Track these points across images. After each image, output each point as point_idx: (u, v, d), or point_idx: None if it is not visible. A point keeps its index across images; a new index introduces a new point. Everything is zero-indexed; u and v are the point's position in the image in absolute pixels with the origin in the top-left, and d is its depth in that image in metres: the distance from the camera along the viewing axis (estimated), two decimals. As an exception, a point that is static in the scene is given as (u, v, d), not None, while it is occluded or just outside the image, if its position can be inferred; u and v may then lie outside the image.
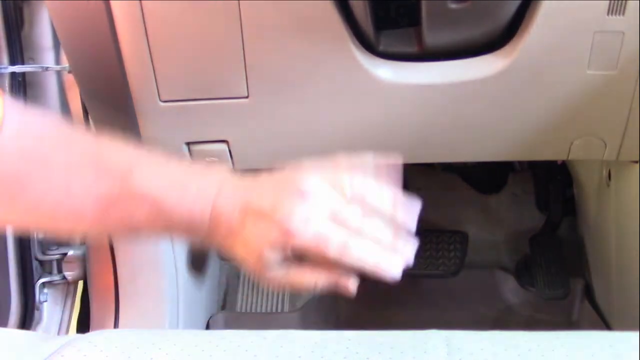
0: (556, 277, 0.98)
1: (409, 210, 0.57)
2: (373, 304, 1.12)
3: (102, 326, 0.86)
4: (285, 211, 0.52)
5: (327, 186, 0.54)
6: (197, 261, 0.95)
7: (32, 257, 0.94)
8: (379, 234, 0.55)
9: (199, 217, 0.55)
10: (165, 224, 0.56)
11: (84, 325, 0.95)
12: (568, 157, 0.72)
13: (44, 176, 0.54)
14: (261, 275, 0.55)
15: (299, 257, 0.53)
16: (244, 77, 0.68)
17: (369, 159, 0.57)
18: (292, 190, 0.53)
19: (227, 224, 0.54)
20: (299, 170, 0.55)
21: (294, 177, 0.54)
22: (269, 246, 0.52)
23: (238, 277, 1.09)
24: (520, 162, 1.08)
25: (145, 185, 0.55)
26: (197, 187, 0.55)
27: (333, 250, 0.52)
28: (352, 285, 0.57)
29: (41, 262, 0.96)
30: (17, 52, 0.95)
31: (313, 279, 0.54)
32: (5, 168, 0.53)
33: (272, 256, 0.53)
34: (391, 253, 0.56)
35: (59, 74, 1.00)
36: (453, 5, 0.58)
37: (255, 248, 0.53)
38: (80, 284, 0.98)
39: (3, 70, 0.92)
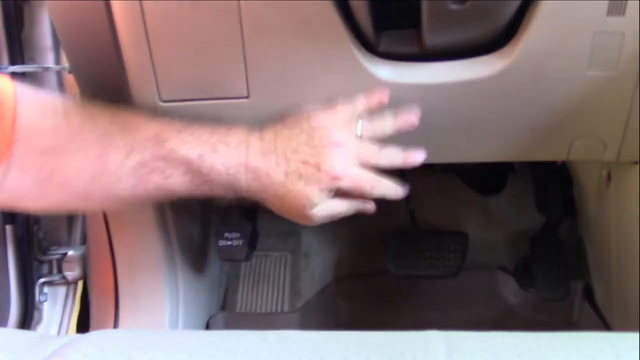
0: (556, 278, 0.98)
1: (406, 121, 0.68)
2: (373, 304, 1.12)
3: (101, 326, 0.86)
4: (329, 161, 0.63)
5: (348, 132, 0.66)
6: (197, 261, 0.95)
7: (32, 257, 0.94)
8: (391, 160, 0.68)
9: (234, 172, 0.62)
10: (203, 183, 0.62)
11: (83, 325, 0.96)
12: (568, 157, 0.72)
13: (78, 151, 0.57)
14: (305, 217, 0.67)
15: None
16: (244, 77, 0.68)
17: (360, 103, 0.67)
18: (326, 143, 0.64)
19: (266, 177, 0.63)
20: (318, 119, 0.66)
21: (322, 129, 0.65)
22: (319, 190, 0.64)
23: (238, 278, 1.09)
24: (520, 163, 1.08)
25: (178, 149, 0.60)
26: (227, 145, 0.62)
27: (367, 187, 0.66)
28: (372, 207, 0.70)
29: (41, 262, 0.96)
30: (17, 52, 0.96)
31: (346, 207, 0.68)
32: (37, 144, 0.55)
33: (321, 197, 0.65)
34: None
35: (59, 74, 1.00)
36: (453, 6, 0.58)
37: (302, 194, 0.64)
38: (80, 284, 0.98)
39: (3, 70, 0.93)
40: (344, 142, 0.65)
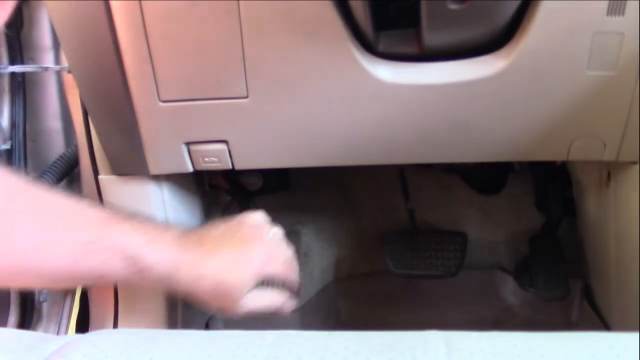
0: (555, 277, 0.98)
1: None
2: (372, 304, 1.12)
3: (101, 326, 0.86)
4: (257, 249, 0.71)
5: (269, 229, 0.75)
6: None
7: (31, 257, 0.94)
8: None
9: (167, 266, 0.66)
10: (137, 272, 0.64)
11: (83, 325, 0.96)
12: (567, 157, 0.72)
13: (11, 235, 0.57)
14: (232, 306, 0.70)
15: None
16: (244, 77, 0.68)
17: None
18: (252, 234, 0.72)
19: (198, 270, 0.67)
20: (243, 217, 0.74)
21: (247, 224, 0.74)
22: (249, 278, 0.69)
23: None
24: (520, 163, 1.08)
25: (118, 236, 0.63)
26: (163, 240, 0.66)
27: (292, 272, 0.76)
28: (292, 305, 0.78)
29: (40, 262, 0.96)
30: (17, 52, 0.96)
31: (270, 300, 0.73)
32: None
33: (250, 285, 0.70)
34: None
35: (58, 74, 1.00)
36: (453, 6, 0.58)
37: (232, 283, 0.69)
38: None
39: (3, 70, 0.93)
40: (267, 233, 0.74)
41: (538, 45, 0.63)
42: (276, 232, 0.76)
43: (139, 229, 0.65)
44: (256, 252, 0.71)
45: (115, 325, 0.85)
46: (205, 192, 1.01)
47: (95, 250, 0.61)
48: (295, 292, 0.78)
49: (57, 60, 0.99)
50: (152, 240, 0.65)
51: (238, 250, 0.70)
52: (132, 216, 0.66)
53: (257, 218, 0.76)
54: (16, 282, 0.67)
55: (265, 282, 0.73)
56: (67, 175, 1.00)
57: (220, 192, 1.09)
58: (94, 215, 0.63)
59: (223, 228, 0.73)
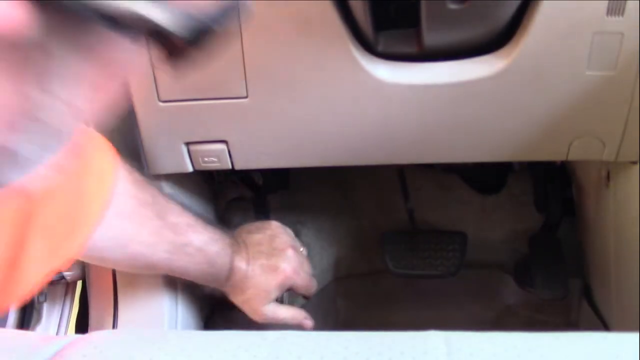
0: (555, 277, 0.98)
1: None
2: (372, 304, 1.12)
3: (100, 326, 0.86)
4: (285, 262, 0.82)
5: (297, 244, 0.88)
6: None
7: (31, 257, 0.94)
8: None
9: (222, 267, 0.79)
10: (208, 271, 0.78)
11: (82, 326, 0.95)
12: (567, 157, 0.72)
13: (140, 236, 0.71)
14: (259, 310, 0.82)
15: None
16: (243, 77, 0.68)
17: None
18: (283, 247, 0.84)
19: (241, 274, 0.80)
20: (277, 229, 0.87)
21: (280, 236, 0.86)
22: (275, 286, 0.81)
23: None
24: (520, 163, 1.08)
25: (197, 244, 0.75)
26: (222, 245, 0.78)
27: (312, 287, 0.88)
28: (310, 324, 0.88)
29: (40, 262, 0.96)
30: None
31: (290, 315, 0.85)
32: (117, 224, 0.68)
33: (275, 293, 0.82)
34: None
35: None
36: (452, 6, 0.58)
37: (261, 288, 0.81)
38: (79, 283, 0.98)
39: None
40: (296, 249, 0.86)
41: (538, 45, 0.63)
42: (303, 249, 0.89)
43: (214, 236, 0.77)
44: (284, 265, 0.82)
45: (114, 326, 0.85)
46: (205, 192, 1.01)
47: (186, 252, 0.74)
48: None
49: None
50: (220, 250, 0.78)
51: (269, 262, 0.82)
52: (207, 222, 0.78)
53: (288, 232, 0.89)
54: (130, 269, 0.79)
55: (288, 292, 0.85)
56: (66, 175, 1.00)
57: (220, 193, 1.09)
58: (186, 221, 0.75)
59: (260, 236, 0.85)
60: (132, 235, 0.71)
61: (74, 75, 0.28)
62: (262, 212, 1.04)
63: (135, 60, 0.31)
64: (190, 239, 0.75)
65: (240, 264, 0.80)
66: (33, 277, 0.59)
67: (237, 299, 0.83)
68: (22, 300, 0.59)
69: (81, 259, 0.70)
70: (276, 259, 0.82)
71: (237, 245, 0.82)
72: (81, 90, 0.29)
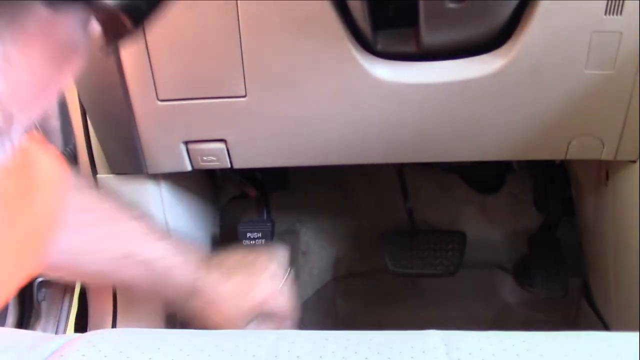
0: (554, 276, 0.98)
1: None
2: (371, 303, 1.12)
3: (100, 326, 0.86)
4: (261, 286, 0.76)
5: (280, 271, 0.79)
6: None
7: (29, 256, 0.94)
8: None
9: (180, 285, 0.71)
10: (160, 286, 0.71)
11: (81, 325, 0.95)
12: (566, 156, 0.72)
13: (81, 245, 0.66)
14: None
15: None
16: (242, 76, 0.68)
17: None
18: (263, 270, 0.77)
19: (209, 296, 0.73)
20: (256, 257, 0.79)
21: (262, 260, 0.78)
22: (247, 309, 0.74)
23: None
24: (519, 162, 1.08)
25: (148, 254, 0.69)
26: (181, 260, 0.72)
27: (288, 315, 0.79)
28: None
29: (39, 262, 0.96)
30: (15, 51, 0.95)
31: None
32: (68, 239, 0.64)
33: (248, 316, 0.75)
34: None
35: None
36: (451, 5, 0.58)
37: (233, 310, 0.74)
38: (78, 283, 0.98)
39: (1, 70, 0.92)
40: (276, 275, 0.79)
41: (536, 44, 0.63)
42: (288, 274, 0.82)
43: (170, 251, 0.72)
44: (259, 287, 0.76)
45: (114, 325, 0.85)
46: (206, 190, 1.01)
47: (129, 264, 0.69)
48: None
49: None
50: (180, 265, 0.72)
51: (246, 282, 0.75)
52: (165, 233, 0.73)
53: (275, 255, 0.82)
54: (62, 275, 0.73)
55: (265, 317, 0.77)
56: (65, 174, 1.00)
57: (219, 192, 1.09)
58: (136, 229, 0.70)
59: (236, 258, 0.78)
60: (68, 243, 0.65)
61: (14, 61, 0.27)
62: (264, 210, 1.04)
63: (78, 44, 0.30)
64: (139, 249, 0.69)
65: (210, 283, 0.73)
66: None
67: (210, 321, 0.75)
68: None
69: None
70: (252, 280, 0.76)
71: (209, 267, 0.75)
72: (23, 77, 0.28)
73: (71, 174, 0.66)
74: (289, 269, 0.83)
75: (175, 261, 0.71)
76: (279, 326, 0.78)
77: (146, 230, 0.71)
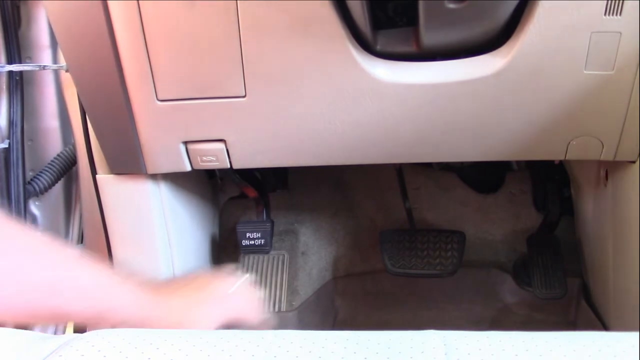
0: (553, 276, 0.98)
1: None
2: (370, 303, 1.12)
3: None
4: (217, 296, 0.73)
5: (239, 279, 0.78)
6: (195, 260, 0.95)
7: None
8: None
9: (132, 309, 0.66)
10: (99, 315, 0.65)
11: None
12: (565, 157, 0.72)
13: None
14: None
15: None
16: (242, 77, 0.68)
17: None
18: (217, 284, 0.75)
19: (157, 313, 0.68)
20: (206, 277, 0.77)
21: (210, 283, 0.76)
22: (209, 320, 0.71)
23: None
24: (518, 162, 1.08)
25: (87, 281, 0.64)
26: (130, 285, 0.67)
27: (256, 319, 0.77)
28: None
29: (38, 262, 0.95)
30: (15, 51, 0.95)
31: None
32: None
33: (211, 327, 0.70)
34: None
35: (56, 72, 1.00)
36: (451, 5, 0.58)
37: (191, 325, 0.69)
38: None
39: (0, 69, 0.92)
40: (232, 280, 0.77)
41: (536, 44, 0.63)
42: (245, 279, 0.79)
43: (105, 273, 0.66)
44: (215, 294, 0.74)
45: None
46: (204, 192, 1.01)
47: (61, 291, 0.62)
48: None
49: (55, 59, 0.99)
50: (118, 284, 0.67)
51: (198, 294, 0.73)
52: (99, 260, 0.67)
53: (221, 273, 0.79)
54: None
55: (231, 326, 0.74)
56: (64, 174, 1.00)
57: (218, 192, 1.09)
58: (64, 254, 0.64)
59: (190, 277, 0.77)
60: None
61: None
62: (263, 210, 1.04)
63: None
64: (65, 276, 0.64)
65: (154, 301, 0.69)
66: None
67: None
68: None
69: None
70: (202, 293, 0.74)
71: (152, 284, 0.71)
72: None
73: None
74: (245, 276, 0.81)
75: (110, 284, 0.67)
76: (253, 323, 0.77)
77: (78, 258, 0.65)
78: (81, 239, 1.01)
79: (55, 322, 0.69)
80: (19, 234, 0.61)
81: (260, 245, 1.00)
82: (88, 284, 0.64)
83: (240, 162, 0.76)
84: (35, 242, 0.62)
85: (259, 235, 0.98)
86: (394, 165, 1.04)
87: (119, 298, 0.66)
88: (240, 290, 0.78)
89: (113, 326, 0.64)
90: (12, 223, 0.61)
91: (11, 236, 0.60)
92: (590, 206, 0.88)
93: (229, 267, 0.83)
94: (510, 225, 1.12)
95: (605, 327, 0.88)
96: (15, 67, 0.93)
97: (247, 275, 0.82)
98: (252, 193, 1.04)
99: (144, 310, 0.68)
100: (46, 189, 0.99)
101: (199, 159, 0.76)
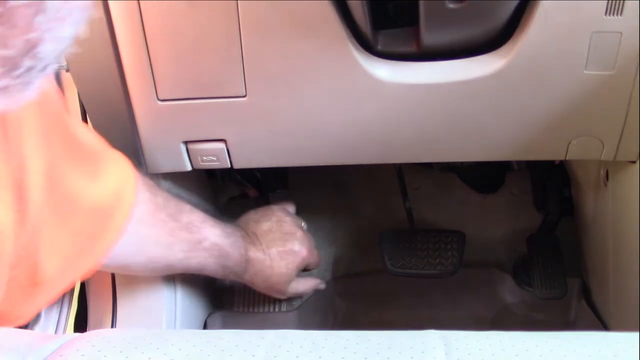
0: (553, 276, 0.98)
1: None
2: (370, 303, 1.12)
3: (99, 325, 0.86)
4: (298, 245, 0.89)
5: (300, 223, 0.94)
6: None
7: (29, 256, 0.94)
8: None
9: (238, 259, 0.82)
10: (224, 264, 0.81)
11: (81, 325, 0.95)
12: (566, 157, 0.72)
13: (156, 239, 0.74)
14: (284, 292, 0.91)
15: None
16: (242, 76, 0.68)
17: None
18: (291, 231, 0.90)
19: (260, 264, 0.85)
20: (280, 213, 0.92)
21: (285, 221, 0.91)
22: (294, 268, 0.88)
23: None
24: (518, 162, 1.08)
25: (212, 239, 0.78)
26: (236, 238, 0.82)
27: (318, 260, 0.96)
28: (323, 286, 1.01)
29: (38, 261, 0.96)
30: (15, 50, 0.95)
31: (308, 287, 0.96)
32: (134, 230, 0.68)
33: (295, 273, 0.89)
34: None
35: (56, 72, 0.99)
36: (451, 5, 0.58)
37: (283, 273, 0.87)
38: (78, 283, 0.98)
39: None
40: (301, 229, 0.92)
41: (536, 44, 0.63)
42: (304, 224, 0.95)
43: (227, 230, 0.81)
44: (298, 247, 0.88)
45: (113, 325, 0.85)
46: (204, 191, 1.01)
47: (202, 248, 0.77)
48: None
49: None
50: (234, 242, 0.81)
51: (285, 248, 0.87)
52: (215, 218, 0.80)
53: (291, 213, 0.95)
54: (150, 272, 0.82)
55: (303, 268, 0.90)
56: (65, 174, 1.00)
57: (219, 192, 1.09)
58: (198, 218, 0.77)
59: (268, 224, 0.89)
60: (149, 240, 0.73)
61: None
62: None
63: None
64: (204, 235, 0.77)
65: (257, 254, 0.85)
66: (53, 289, 0.60)
67: (260, 287, 0.89)
68: (43, 307, 0.60)
69: (102, 269, 0.70)
70: (290, 243, 0.88)
71: (249, 236, 0.86)
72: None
73: (142, 176, 0.72)
74: (302, 221, 0.95)
75: (232, 239, 0.81)
76: (313, 267, 0.95)
77: (205, 218, 0.78)
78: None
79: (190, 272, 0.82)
80: (164, 200, 0.74)
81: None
82: (216, 244, 0.78)
83: (241, 162, 0.77)
84: (176, 208, 0.76)
85: None
86: (394, 165, 1.04)
87: (235, 255, 0.81)
88: (307, 235, 0.93)
89: (227, 276, 0.85)
90: (156, 188, 0.74)
91: (160, 202, 0.74)
92: (590, 206, 0.88)
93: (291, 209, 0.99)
94: (510, 225, 1.12)
95: (605, 327, 0.88)
96: (15, 67, 0.93)
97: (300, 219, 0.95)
98: (253, 193, 1.04)
99: (250, 268, 0.85)
100: (47, 188, 0.99)
101: (199, 158, 0.76)
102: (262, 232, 0.88)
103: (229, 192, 1.10)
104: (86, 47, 0.68)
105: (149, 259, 0.75)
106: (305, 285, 0.94)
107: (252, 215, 0.91)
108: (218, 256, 0.79)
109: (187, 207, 0.77)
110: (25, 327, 0.95)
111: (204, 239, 0.77)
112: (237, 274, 0.85)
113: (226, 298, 1.03)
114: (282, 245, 0.87)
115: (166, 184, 0.84)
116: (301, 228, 0.92)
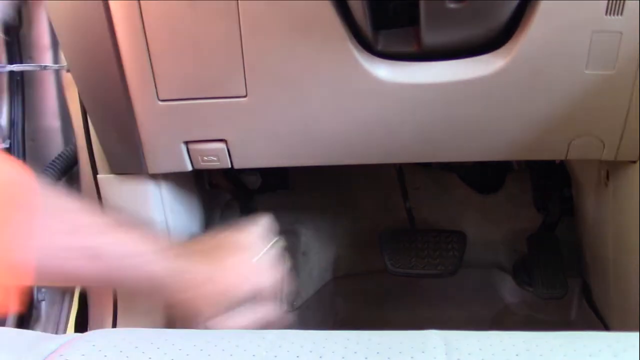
0: (554, 276, 0.98)
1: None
2: (371, 303, 1.12)
3: (100, 325, 0.86)
4: (237, 269, 0.70)
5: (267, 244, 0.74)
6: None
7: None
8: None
9: (166, 275, 0.66)
10: (137, 281, 0.66)
11: (81, 325, 0.95)
12: (566, 157, 0.72)
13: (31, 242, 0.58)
14: (212, 319, 0.69)
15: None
16: (243, 77, 0.68)
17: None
18: (247, 251, 0.72)
19: (190, 282, 0.67)
20: (236, 237, 0.73)
21: (234, 241, 0.73)
22: (231, 294, 0.69)
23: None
24: (518, 162, 1.08)
25: (124, 248, 0.64)
26: (165, 250, 0.66)
27: (282, 288, 0.76)
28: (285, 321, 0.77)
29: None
30: (16, 51, 0.96)
31: (248, 321, 0.71)
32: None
33: (234, 302, 0.69)
34: None
35: (57, 72, 1.00)
36: (451, 5, 0.58)
37: (215, 298, 0.68)
38: (78, 283, 0.98)
39: (2, 69, 0.93)
40: (261, 245, 0.74)
41: (537, 44, 0.63)
42: (276, 243, 0.77)
43: (136, 240, 0.66)
44: (241, 268, 0.71)
45: (114, 325, 0.85)
46: (204, 191, 1.01)
47: (99, 257, 0.62)
48: (288, 303, 0.79)
49: (56, 59, 0.99)
50: (154, 250, 0.66)
51: (232, 260, 0.71)
52: (131, 222, 0.67)
53: (255, 229, 0.75)
54: (30, 281, 0.63)
55: (255, 297, 0.71)
56: (66, 174, 1.00)
57: (219, 192, 1.09)
58: (99, 221, 0.64)
59: (220, 239, 0.74)
60: (43, 249, 0.60)
61: None
62: (249, 214, 1.04)
63: None
64: (95, 243, 0.63)
65: (182, 274, 0.68)
66: None
67: (196, 307, 0.70)
68: None
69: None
70: (234, 259, 0.72)
71: (185, 253, 0.70)
72: None
73: (35, 181, 0.61)
74: (275, 239, 0.77)
75: (139, 251, 0.65)
76: (266, 307, 0.73)
77: (106, 224, 0.65)
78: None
79: (98, 286, 0.70)
80: (61, 200, 0.62)
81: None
82: (128, 251, 0.64)
83: (242, 162, 0.77)
84: (74, 207, 0.63)
85: None
86: (394, 165, 1.04)
87: (143, 268, 0.66)
88: (264, 262, 0.74)
89: (146, 294, 0.69)
90: (53, 189, 0.62)
91: (52, 201, 0.61)
92: (590, 206, 0.88)
93: (263, 221, 0.77)
94: (511, 225, 1.12)
95: (605, 327, 0.88)
96: (16, 67, 0.94)
97: (276, 240, 0.77)
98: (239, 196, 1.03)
99: (182, 278, 0.67)
100: (47, 188, 0.99)
101: (200, 158, 0.76)
102: (199, 246, 0.72)
103: (220, 198, 1.10)
104: (87, 47, 0.68)
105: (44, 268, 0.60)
106: (251, 316, 0.71)
107: (207, 236, 0.76)
108: (101, 267, 0.64)
109: (81, 209, 0.64)
110: (26, 326, 0.95)
111: (93, 247, 0.63)
112: (144, 294, 0.71)
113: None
114: (229, 257, 0.71)
115: (167, 184, 0.84)
116: (261, 248, 0.74)
